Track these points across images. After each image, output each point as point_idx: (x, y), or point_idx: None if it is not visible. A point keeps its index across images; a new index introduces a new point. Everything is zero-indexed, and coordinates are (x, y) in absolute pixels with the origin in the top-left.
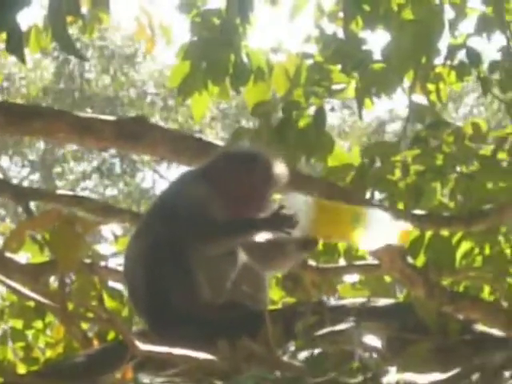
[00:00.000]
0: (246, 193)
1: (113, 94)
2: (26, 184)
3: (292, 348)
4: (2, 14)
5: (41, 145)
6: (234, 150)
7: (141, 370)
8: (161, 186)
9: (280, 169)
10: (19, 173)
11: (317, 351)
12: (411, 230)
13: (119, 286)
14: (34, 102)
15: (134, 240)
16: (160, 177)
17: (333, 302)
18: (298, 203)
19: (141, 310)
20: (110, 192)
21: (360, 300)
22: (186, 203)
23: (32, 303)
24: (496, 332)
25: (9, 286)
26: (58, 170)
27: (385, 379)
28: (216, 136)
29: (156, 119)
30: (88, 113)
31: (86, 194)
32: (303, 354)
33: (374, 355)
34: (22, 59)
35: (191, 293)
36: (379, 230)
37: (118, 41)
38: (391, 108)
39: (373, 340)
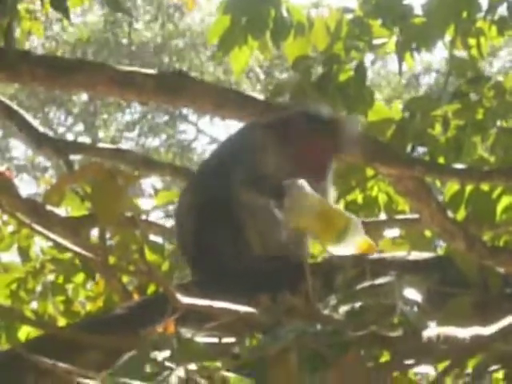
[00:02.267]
0: (316, 155)
1: (161, 43)
2: (69, 135)
3: (332, 301)
4: None
5: (83, 96)
6: (311, 109)
7: (182, 323)
8: (202, 140)
9: (356, 138)
10: (63, 124)
11: (357, 305)
12: (369, 244)
13: (160, 240)
14: (81, 49)
15: (185, 194)
16: (199, 131)
17: (373, 255)
18: (299, 195)
19: (188, 260)
20: (152, 143)
21: (400, 253)
22: (250, 148)
23: (73, 257)
24: None
25: (51, 240)
26: (100, 121)
27: (425, 333)
28: (253, 88)
29: (202, 70)
30: (135, 62)
31: (128, 145)
32: (344, 308)
33: (415, 309)
34: (67, 15)
35: (238, 246)
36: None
37: None
38: (424, 60)
39: (413, 293)
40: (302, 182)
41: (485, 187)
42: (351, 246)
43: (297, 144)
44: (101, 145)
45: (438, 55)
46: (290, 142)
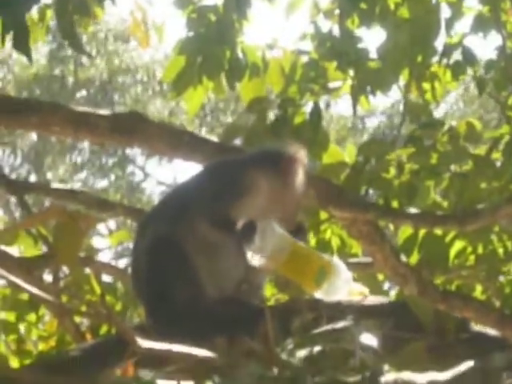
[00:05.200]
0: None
1: (106, 79)
2: (16, 174)
3: (290, 345)
4: (10, 12)
5: (31, 136)
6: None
7: (138, 366)
8: (151, 182)
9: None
10: (10, 164)
11: (315, 349)
12: (363, 292)
13: (111, 280)
14: (27, 86)
15: (139, 237)
16: (146, 174)
17: (330, 299)
18: (274, 235)
19: (143, 303)
20: (100, 184)
21: (356, 298)
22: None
23: (25, 296)
24: (490, 331)
25: (4, 278)
26: (49, 161)
27: (383, 378)
28: (199, 130)
29: (148, 107)
30: (82, 98)
31: (76, 185)
32: (301, 352)
33: (371, 354)
34: (29, 56)
35: (192, 289)
36: (336, 286)
37: (111, 25)
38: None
39: (369, 339)
40: (275, 223)
41: (438, 232)
42: (336, 290)
43: (281, 185)
44: (54, 185)
45: (383, 99)
46: (275, 182)
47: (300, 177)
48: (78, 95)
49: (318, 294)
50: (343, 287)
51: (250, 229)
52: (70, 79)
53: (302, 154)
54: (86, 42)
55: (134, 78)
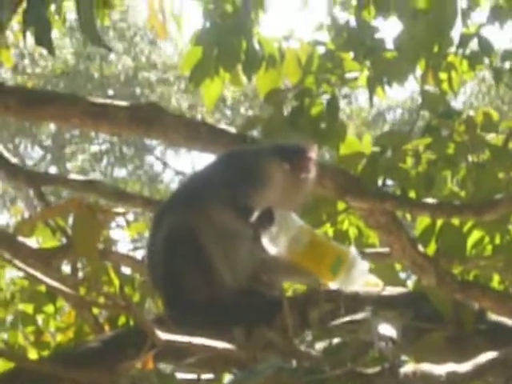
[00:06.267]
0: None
1: (132, 76)
2: (38, 166)
3: (308, 337)
4: (33, 9)
5: (52, 127)
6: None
7: (160, 359)
8: (169, 172)
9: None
10: (30, 156)
11: (334, 341)
12: (378, 284)
13: (129, 271)
14: (52, 82)
15: (158, 223)
16: (165, 165)
17: (346, 290)
18: (292, 225)
19: (161, 295)
20: (119, 173)
21: (374, 289)
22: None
23: (43, 288)
24: (508, 321)
25: (22, 270)
26: (68, 151)
27: (402, 369)
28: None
29: (174, 103)
30: (107, 94)
31: (95, 175)
32: (320, 344)
33: (390, 345)
34: (51, 50)
35: (209, 279)
36: (352, 277)
37: (139, 23)
38: (389, 97)
39: (388, 329)
40: (294, 213)
41: (455, 221)
42: (352, 281)
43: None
44: (72, 176)
45: (402, 93)
46: (291, 174)
47: (313, 174)
48: (103, 91)
49: (334, 285)
50: (359, 278)
51: (268, 218)
52: (96, 75)
53: (315, 151)
54: (114, 39)
55: (159, 75)
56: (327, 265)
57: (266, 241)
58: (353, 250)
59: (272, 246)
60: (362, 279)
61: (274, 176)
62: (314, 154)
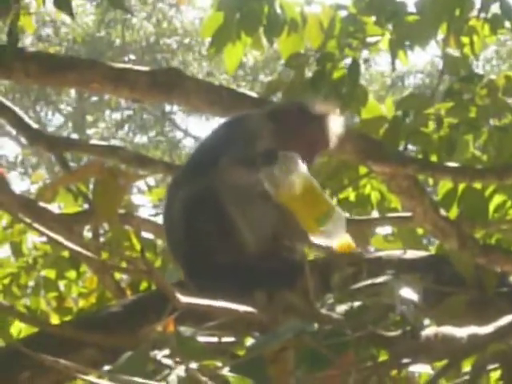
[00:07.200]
0: (307, 145)
1: (154, 42)
2: (59, 133)
3: (330, 300)
4: None
5: (72, 94)
6: (306, 103)
7: (181, 322)
8: (190, 139)
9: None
10: (50, 123)
11: (355, 304)
12: (351, 245)
13: (151, 237)
14: (74, 49)
15: (174, 190)
16: (186, 133)
17: (368, 253)
18: (293, 168)
19: (180, 260)
20: (140, 140)
21: (395, 252)
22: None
23: (65, 253)
24: None
25: (45, 235)
26: (90, 118)
27: (423, 332)
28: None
29: (195, 68)
30: (128, 60)
31: (116, 142)
32: (341, 307)
33: (412, 308)
34: (71, 14)
35: (231, 241)
36: (331, 232)
37: None
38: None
39: (409, 293)
40: (296, 156)
41: (477, 185)
42: (330, 236)
43: (291, 135)
44: (94, 142)
45: (422, 57)
46: (285, 132)
47: (329, 129)
48: (124, 58)
49: (313, 236)
50: (337, 236)
51: (271, 156)
52: (117, 41)
53: (334, 110)
54: (135, 5)
55: (180, 40)
56: (315, 215)
57: (265, 179)
58: (339, 209)
59: (269, 185)
60: (339, 238)
61: (263, 136)
62: (331, 111)
